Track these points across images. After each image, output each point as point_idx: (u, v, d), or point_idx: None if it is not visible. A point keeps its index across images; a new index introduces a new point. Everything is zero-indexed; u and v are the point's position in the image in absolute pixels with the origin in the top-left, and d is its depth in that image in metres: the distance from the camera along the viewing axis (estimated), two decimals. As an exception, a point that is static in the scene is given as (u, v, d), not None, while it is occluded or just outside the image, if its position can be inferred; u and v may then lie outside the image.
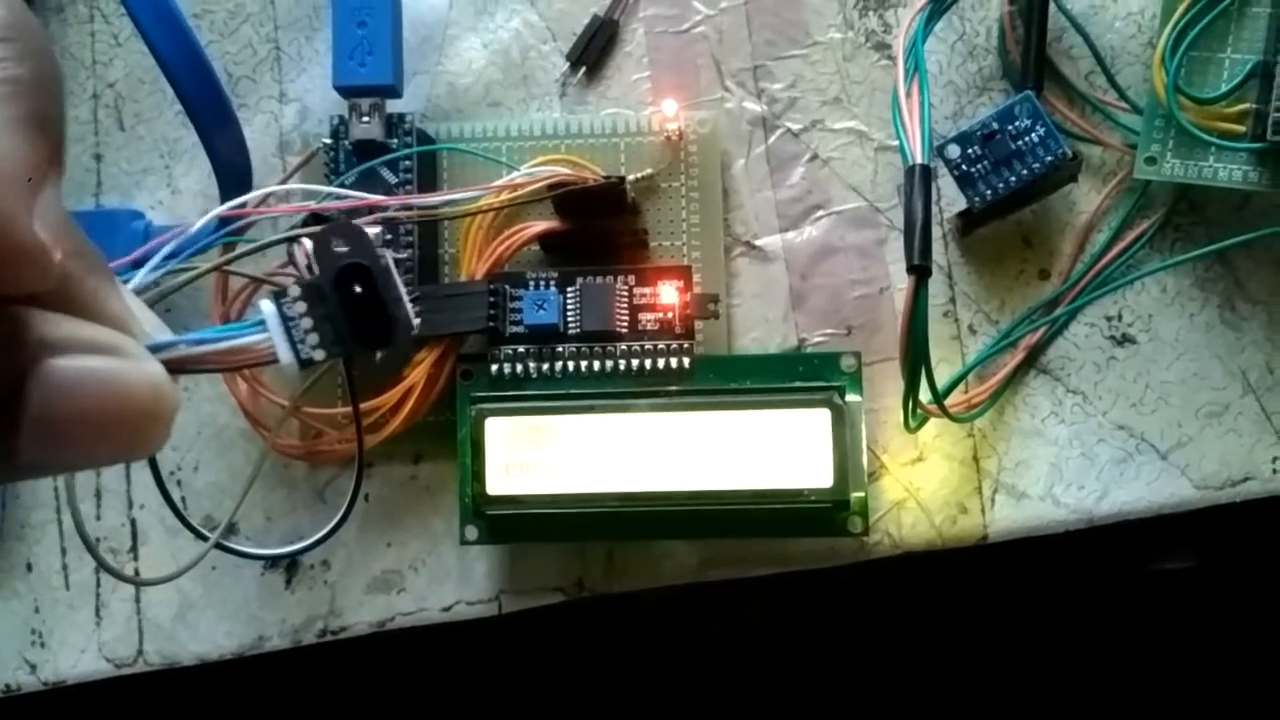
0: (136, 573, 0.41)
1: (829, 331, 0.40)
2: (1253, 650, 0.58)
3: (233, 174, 0.37)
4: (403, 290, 0.24)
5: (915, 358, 0.33)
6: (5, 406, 0.17)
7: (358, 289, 0.23)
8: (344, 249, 0.23)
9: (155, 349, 0.20)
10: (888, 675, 0.58)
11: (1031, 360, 0.39)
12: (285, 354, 0.23)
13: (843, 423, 0.36)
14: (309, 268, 0.24)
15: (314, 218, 0.37)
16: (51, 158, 0.18)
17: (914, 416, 0.36)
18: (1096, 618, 0.57)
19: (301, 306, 0.23)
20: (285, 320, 0.23)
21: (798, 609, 0.44)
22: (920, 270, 0.32)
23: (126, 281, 0.33)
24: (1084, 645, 0.58)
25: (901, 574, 0.40)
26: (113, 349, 0.19)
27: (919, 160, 0.33)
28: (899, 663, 0.58)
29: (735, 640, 0.52)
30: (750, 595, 0.40)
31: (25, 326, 0.18)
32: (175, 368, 0.21)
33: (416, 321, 0.25)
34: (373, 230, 0.36)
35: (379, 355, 0.24)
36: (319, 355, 0.23)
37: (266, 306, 0.22)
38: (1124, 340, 0.39)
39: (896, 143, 0.40)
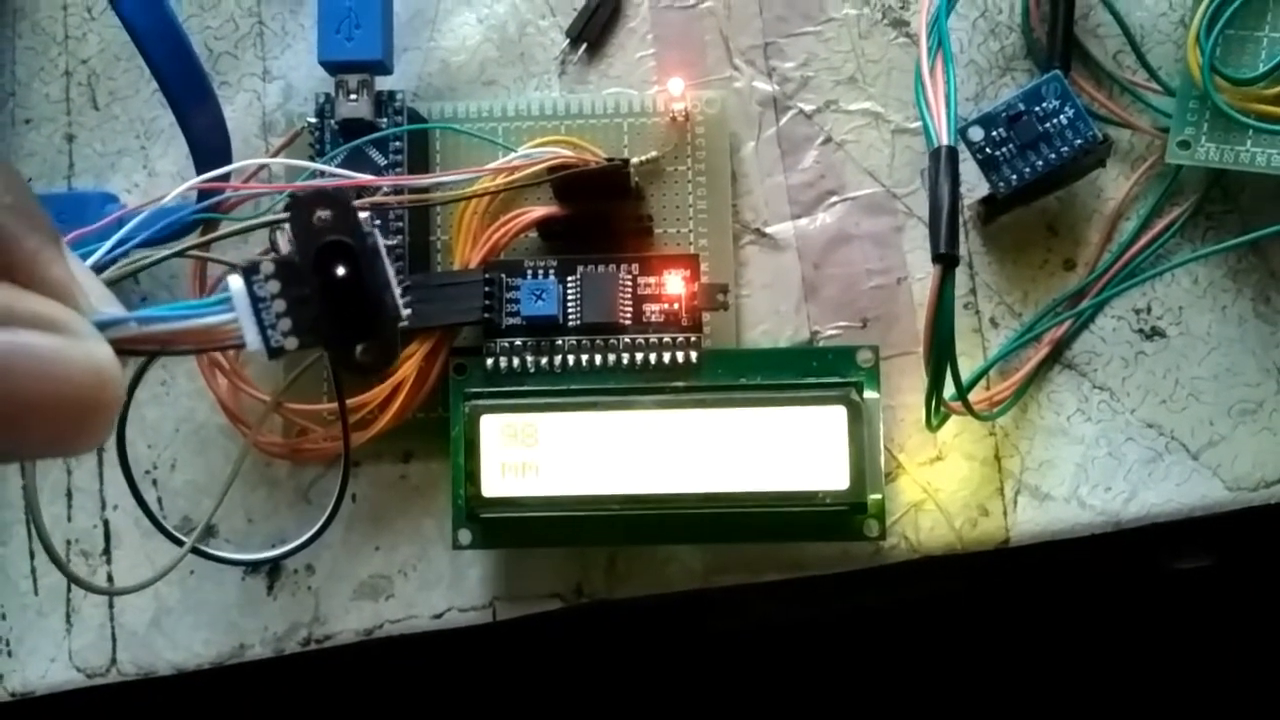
0: (110, 577, 0.39)
1: (843, 324, 0.38)
2: (1271, 650, 0.56)
3: (210, 154, 0.35)
4: (391, 274, 0.21)
5: (940, 352, 0.31)
6: None
7: (340, 270, 0.21)
8: (327, 223, 0.21)
9: (102, 326, 0.18)
10: (894, 675, 0.57)
11: (1056, 355, 0.37)
12: (253, 339, 0.20)
13: (860, 420, 0.34)
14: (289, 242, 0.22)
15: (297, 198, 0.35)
16: None
17: (936, 414, 0.34)
18: (1111, 616, 0.56)
19: (275, 286, 0.20)
20: (255, 301, 0.20)
21: (809, 609, 0.42)
22: (947, 259, 0.30)
23: (88, 257, 0.31)
24: (1098, 644, 0.56)
25: (913, 573, 0.38)
26: (54, 324, 0.17)
27: (945, 141, 0.31)
28: (906, 663, 0.56)
29: (740, 644, 0.50)
30: (758, 595, 0.38)
31: None
32: (125, 348, 0.19)
33: (406, 311, 0.22)
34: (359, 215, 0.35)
35: (360, 348, 0.21)
36: (291, 344, 0.20)
37: (234, 283, 0.20)
38: (1153, 334, 0.37)
39: (914, 125, 0.38)
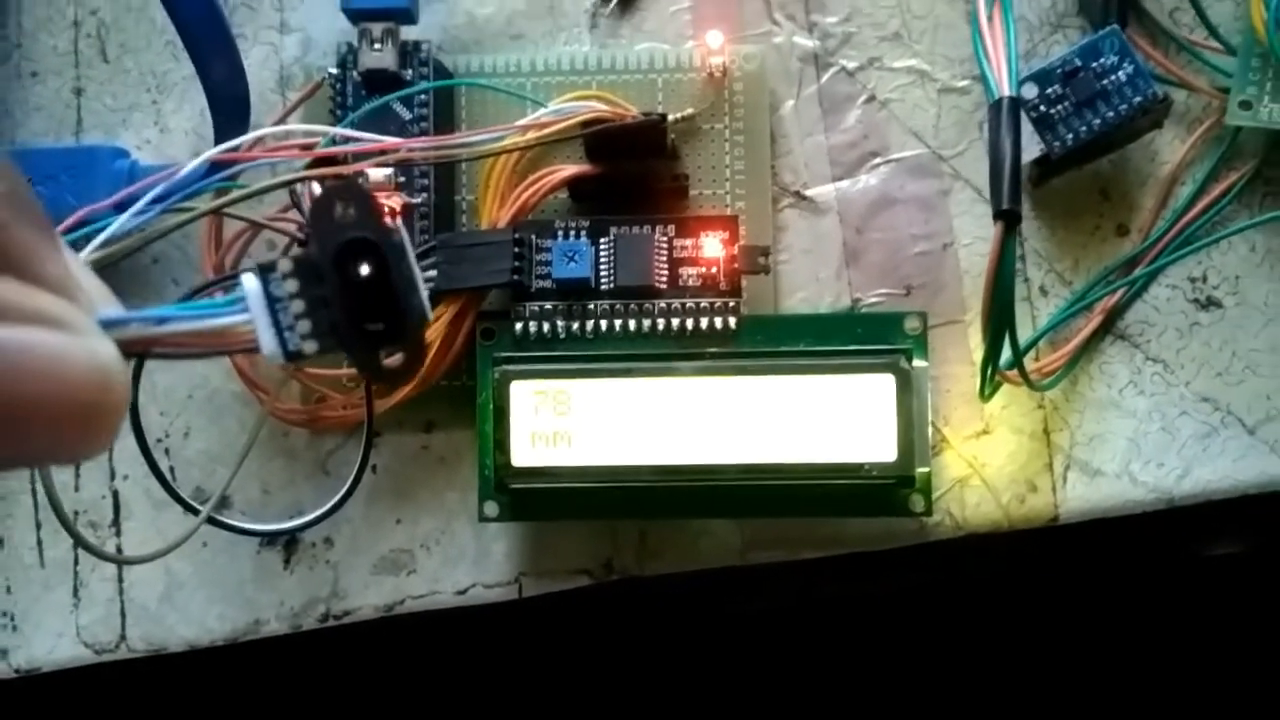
0: (119, 550, 0.37)
1: (886, 291, 0.36)
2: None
3: (229, 104, 0.33)
4: (418, 274, 0.20)
5: (999, 317, 0.29)
6: None
7: (363, 270, 0.19)
8: (350, 219, 0.20)
9: (104, 325, 0.17)
10: (915, 657, 0.56)
11: (1108, 325, 0.36)
12: (269, 343, 0.19)
13: (909, 390, 0.32)
14: (304, 235, 0.20)
15: (319, 163, 0.33)
16: None
17: (990, 383, 0.32)
18: (1140, 604, 0.55)
19: (292, 285, 0.19)
20: (271, 301, 0.19)
21: (843, 587, 0.41)
22: (1009, 215, 0.28)
23: (106, 226, 0.29)
24: (1127, 632, 0.55)
25: (941, 555, 0.37)
26: (56, 321, 0.15)
27: (1006, 92, 0.30)
28: (926, 644, 0.55)
29: (772, 622, 0.49)
30: (795, 574, 0.37)
31: None
32: (129, 349, 0.17)
33: (430, 314, 0.21)
34: (383, 172, 0.33)
35: (385, 354, 0.20)
36: (310, 347, 0.19)
37: (249, 282, 0.19)
38: (1209, 304, 0.36)
39: (962, 84, 0.37)
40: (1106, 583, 0.51)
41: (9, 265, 0.16)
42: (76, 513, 0.38)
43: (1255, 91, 0.34)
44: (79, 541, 0.27)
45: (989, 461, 0.36)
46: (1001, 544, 0.37)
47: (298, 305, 0.19)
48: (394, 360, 0.20)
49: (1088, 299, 0.36)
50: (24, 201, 0.16)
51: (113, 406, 0.16)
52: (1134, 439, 0.36)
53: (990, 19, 0.31)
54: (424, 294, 0.20)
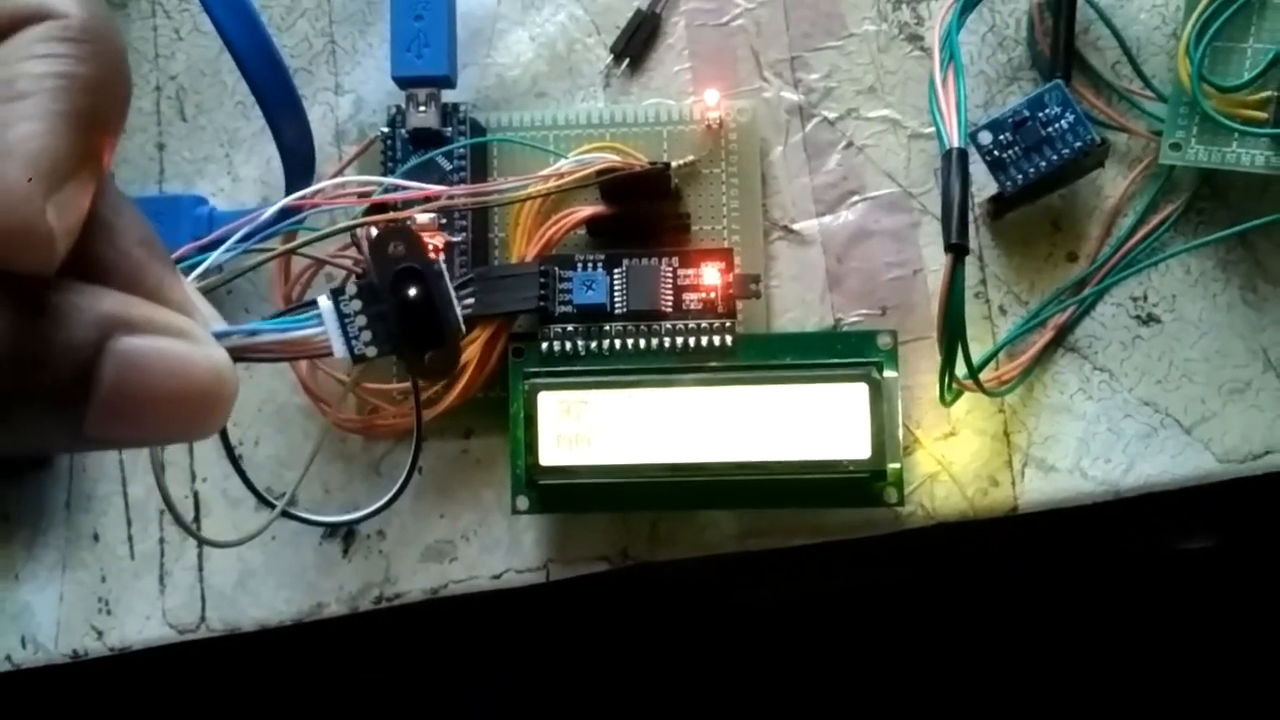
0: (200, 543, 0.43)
1: (864, 312, 0.41)
2: (1273, 630, 0.59)
3: (298, 159, 0.39)
4: (453, 295, 0.26)
5: (952, 333, 0.34)
6: (78, 378, 0.18)
7: (411, 292, 0.25)
8: (400, 252, 0.25)
9: (215, 336, 0.21)
10: (903, 647, 0.59)
11: (1060, 339, 0.41)
12: (339, 348, 0.24)
13: (880, 397, 0.37)
14: (365, 268, 0.25)
15: (374, 209, 0.39)
16: (87, 157, 0.18)
17: (949, 391, 0.37)
18: (1117, 598, 0.58)
19: (357, 304, 0.24)
20: (341, 317, 0.24)
21: (834, 578, 0.45)
22: (958, 248, 0.34)
23: (198, 265, 0.35)
24: (1104, 625, 0.59)
25: (926, 546, 0.41)
26: (181, 332, 0.20)
27: (955, 144, 0.35)
28: (913, 635, 0.59)
29: (779, 608, 0.53)
30: (793, 563, 0.41)
31: (103, 303, 0.19)
32: (234, 355, 0.22)
33: (463, 327, 0.26)
34: (428, 215, 0.39)
35: (429, 356, 0.25)
36: (371, 352, 0.24)
37: (324, 302, 0.24)
38: (1149, 320, 0.41)
39: (929, 130, 0.42)
40: (1065, 568, 0.55)
41: (145, 292, 0.20)
42: (161, 511, 0.43)
43: (1183, 135, 0.39)
44: (178, 521, 0.33)
45: (956, 459, 0.40)
46: (969, 533, 0.41)
47: (361, 320, 0.24)
48: (435, 362, 0.26)
49: (1041, 316, 0.41)
50: (155, 244, 0.21)
51: (226, 398, 0.20)
52: (1084, 439, 0.40)
53: (945, 82, 0.36)
54: (458, 310, 0.26)
